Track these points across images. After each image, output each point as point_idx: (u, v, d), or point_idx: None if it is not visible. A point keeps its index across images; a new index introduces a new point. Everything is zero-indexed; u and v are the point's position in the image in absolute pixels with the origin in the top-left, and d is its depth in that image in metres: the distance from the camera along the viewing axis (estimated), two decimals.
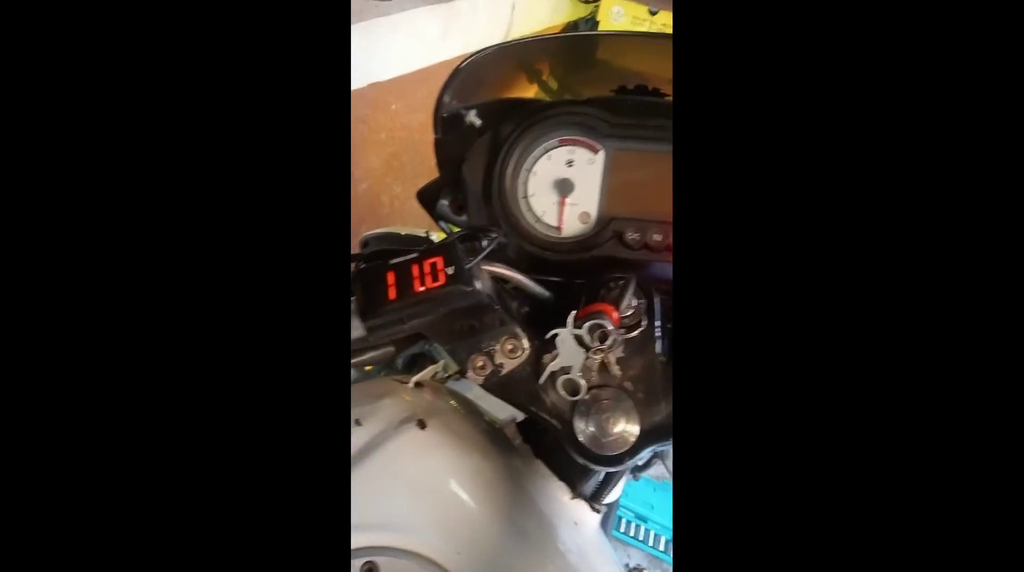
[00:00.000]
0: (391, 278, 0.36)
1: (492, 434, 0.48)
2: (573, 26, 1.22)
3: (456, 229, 0.57)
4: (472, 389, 0.68)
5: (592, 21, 1.05)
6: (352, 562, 0.35)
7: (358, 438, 0.40)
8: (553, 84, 0.51)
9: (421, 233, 0.63)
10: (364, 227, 1.21)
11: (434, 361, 0.72)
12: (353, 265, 0.44)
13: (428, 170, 1.40)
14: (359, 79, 0.96)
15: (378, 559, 0.35)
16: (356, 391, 0.48)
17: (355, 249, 0.71)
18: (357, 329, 0.36)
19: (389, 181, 1.18)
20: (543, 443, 0.47)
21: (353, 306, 0.36)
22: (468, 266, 0.37)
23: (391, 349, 0.44)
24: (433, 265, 0.36)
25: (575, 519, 0.45)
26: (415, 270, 0.36)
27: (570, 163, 0.48)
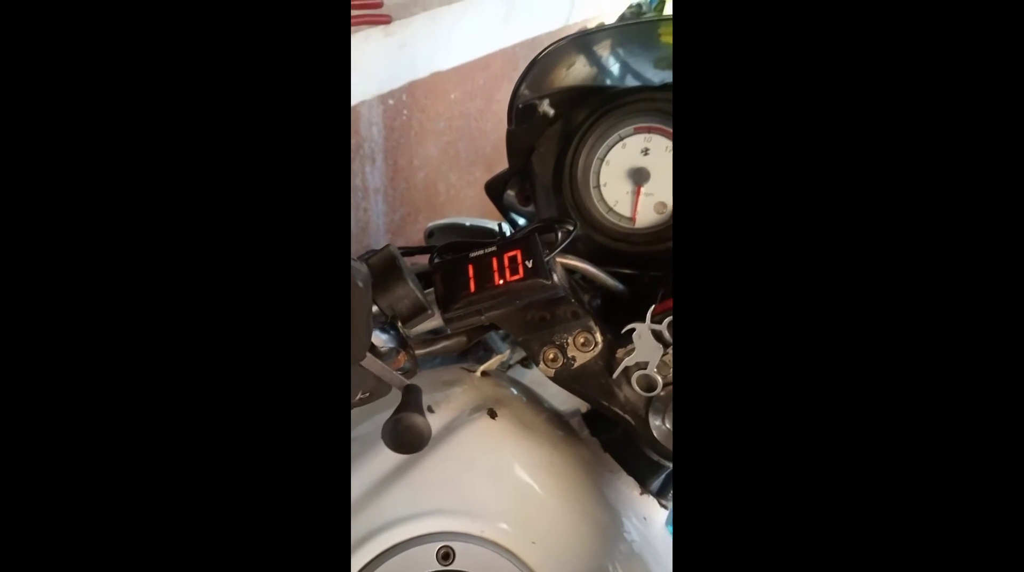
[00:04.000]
0: (471, 271, 0.36)
1: (559, 425, 0.48)
2: (636, 8, 1.17)
3: (522, 220, 0.57)
4: (525, 376, 0.69)
5: (655, 2, 1.01)
6: (427, 546, 0.35)
7: (430, 425, 0.41)
8: (628, 72, 0.49)
9: (487, 223, 0.63)
10: (421, 217, 1.23)
11: (489, 348, 0.73)
12: (417, 257, 0.45)
13: (484, 159, 1.40)
14: (422, 68, 0.97)
15: (454, 544, 0.35)
16: (426, 378, 0.49)
17: (419, 241, 0.72)
18: (436, 319, 0.37)
19: (445, 170, 1.19)
20: (611, 437, 0.46)
21: (431, 297, 0.36)
22: (547, 259, 0.37)
23: (463, 339, 0.44)
24: (512, 258, 0.36)
25: (644, 514, 0.44)
26: (494, 263, 0.37)
27: (646, 151, 0.47)
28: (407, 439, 0.29)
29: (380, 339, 0.32)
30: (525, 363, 0.72)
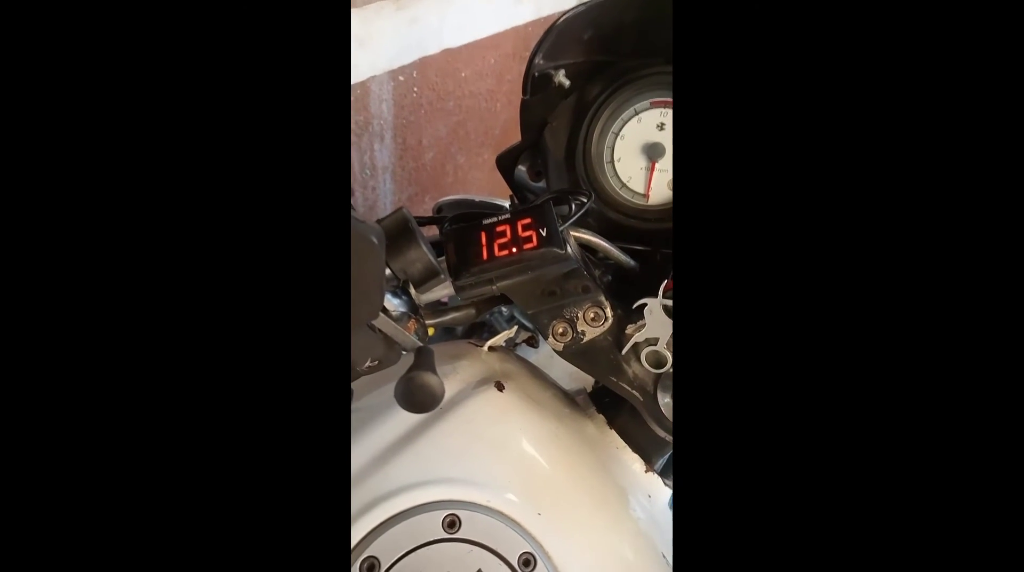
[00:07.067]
0: (483, 238, 0.36)
1: (565, 401, 0.47)
2: None
3: (532, 196, 0.57)
4: (531, 356, 0.69)
5: None
6: (433, 514, 0.35)
7: None
8: (645, 45, 0.48)
9: (497, 201, 0.62)
10: (428, 197, 1.22)
11: (494, 329, 0.72)
12: (428, 227, 0.44)
13: (492, 139, 1.39)
14: (432, 45, 0.95)
15: (460, 512, 0.35)
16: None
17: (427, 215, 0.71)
18: (446, 287, 0.36)
19: (454, 150, 1.18)
20: (618, 415, 0.46)
21: (443, 265, 0.36)
22: (561, 229, 0.36)
23: (472, 311, 0.44)
24: (526, 226, 0.36)
25: (649, 492, 0.44)
26: (508, 231, 0.36)
27: (661, 126, 0.46)
28: (420, 398, 0.29)
29: (392, 303, 0.31)
30: (531, 342, 0.72)
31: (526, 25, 1.10)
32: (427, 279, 0.32)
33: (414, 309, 0.33)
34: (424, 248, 0.31)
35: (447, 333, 0.81)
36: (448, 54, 0.99)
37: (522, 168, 0.55)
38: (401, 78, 0.96)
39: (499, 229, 0.36)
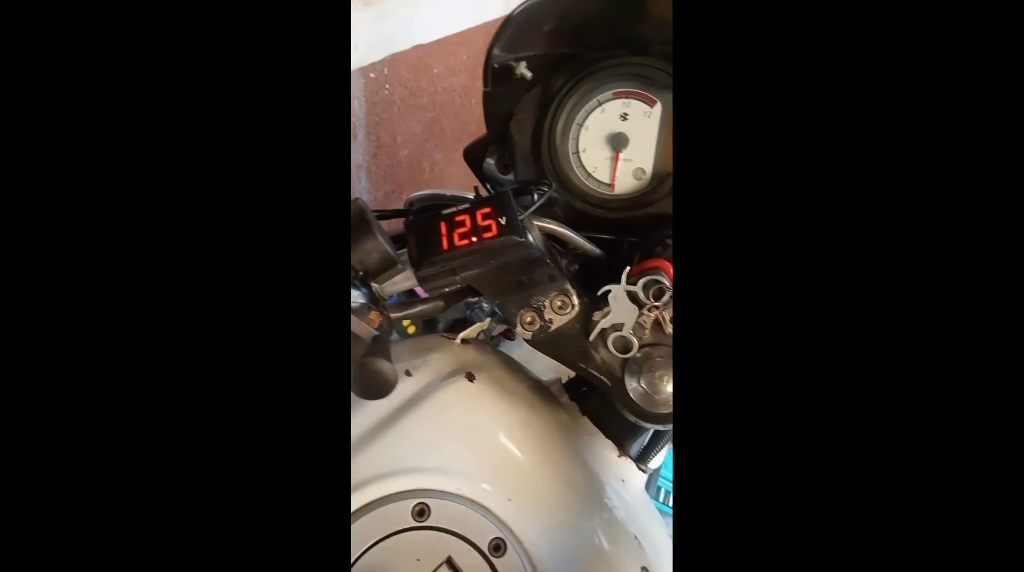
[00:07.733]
0: (443, 228, 0.36)
1: (538, 390, 0.48)
2: None
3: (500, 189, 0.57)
4: (514, 351, 0.69)
5: None
6: (402, 503, 0.36)
7: (407, 387, 0.41)
8: (606, 35, 0.49)
9: (468, 195, 0.62)
10: (405, 195, 1.21)
11: (474, 323, 0.72)
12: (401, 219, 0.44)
13: (468, 136, 1.38)
14: (402, 42, 0.95)
15: (429, 501, 0.36)
16: (405, 345, 0.49)
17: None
18: (409, 279, 0.37)
19: (429, 147, 1.18)
20: (590, 402, 0.47)
21: (404, 257, 0.36)
22: (521, 217, 0.36)
23: (440, 303, 0.44)
24: (486, 215, 0.36)
25: (622, 476, 0.45)
26: (467, 221, 0.36)
27: (624, 117, 0.47)
28: (374, 383, 0.29)
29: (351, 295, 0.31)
30: (507, 334, 0.72)
31: (496, 20, 1.10)
32: (384, 270, 0.32)
33: (374, 300, 0.33)
34: (380, 239, 0.31)
35: (428, 328, 0.80)
36: (419, 51, 0.99)
37: (490, 161, 0.55)
38: (372, 75, 0.95)
39: (458, 219, 0.36)
